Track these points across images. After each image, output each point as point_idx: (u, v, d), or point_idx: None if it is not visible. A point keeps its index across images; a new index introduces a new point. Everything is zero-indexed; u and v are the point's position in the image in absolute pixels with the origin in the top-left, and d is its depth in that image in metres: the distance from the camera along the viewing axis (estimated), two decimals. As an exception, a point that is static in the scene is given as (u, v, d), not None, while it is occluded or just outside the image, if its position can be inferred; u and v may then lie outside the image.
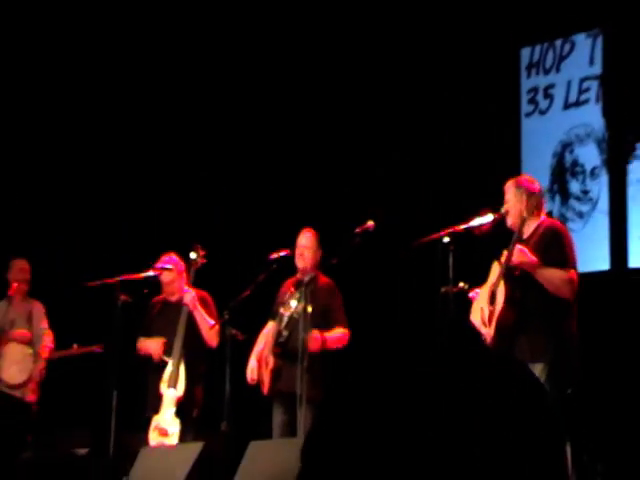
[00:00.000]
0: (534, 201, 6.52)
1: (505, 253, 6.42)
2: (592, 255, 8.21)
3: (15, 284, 9.03)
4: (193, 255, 8.02)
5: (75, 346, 9.17)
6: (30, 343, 9.07)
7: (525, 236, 6.50)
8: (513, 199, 6.57)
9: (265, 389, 7.56)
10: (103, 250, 9.78)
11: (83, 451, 6.91)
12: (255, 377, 7.58)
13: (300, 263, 7.66)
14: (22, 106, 10.57)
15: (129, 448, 7.65)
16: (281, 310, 7.53)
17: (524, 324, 6.31)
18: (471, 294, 6.65)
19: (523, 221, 6.48)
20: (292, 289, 7.60)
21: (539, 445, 1.02)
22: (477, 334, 6.47)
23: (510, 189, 6.63)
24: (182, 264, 8.10)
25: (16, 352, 8.99)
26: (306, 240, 7.70)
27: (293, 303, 7.47)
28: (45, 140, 10.53)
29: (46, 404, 9.01)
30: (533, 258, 6.29)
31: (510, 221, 6.57)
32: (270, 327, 7.72)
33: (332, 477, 1.10)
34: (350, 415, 1.06)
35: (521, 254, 6.32)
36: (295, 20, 10.16)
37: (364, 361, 1.13)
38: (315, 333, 7.21)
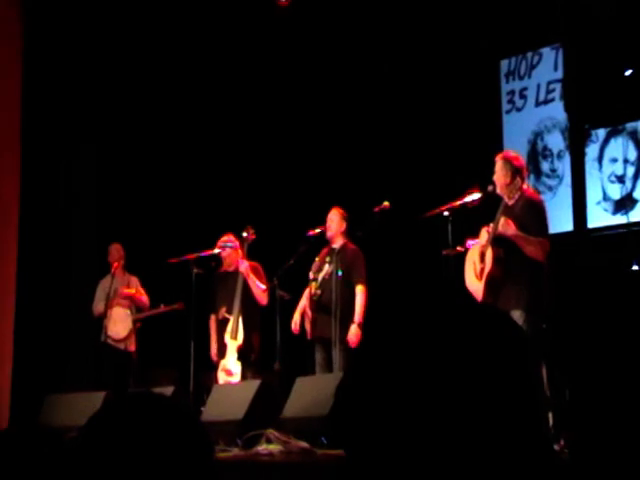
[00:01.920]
0: (518, 173, 6.40)
1: (492, 225, 6.31)
2: (559, 219, 8.11)
3: (115, 263, 8.99)
4: (245, 234, 7.99)
5: (162, 306, 9.10)
6: (129, 307, 9.06)
7: (510, 203, 6.36)
8: (500, 171, 6.42)
9: (309, 335, 7.52)
10: (178, 233, 9.70)
11: (170, 388, 6.88)
12: (298, 328, 7.52)
13: (328, 233, 7.60)
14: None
15: (204, 385, 7.64)
16: (316, 273, 7.49)
17: (507, 279, 6.22)
18: (467, 244, 6.54)
19: (508, 190, 6.34)
20: (327, 256, 7.56)
21: (517, 371, 1.02)
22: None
23: (498, 162, 6.48)
24: (237, 242, 8.03)
25: (119, 314, 8.98)
26: (332, 215, 7.65)
27: (326, 266, 7.44)
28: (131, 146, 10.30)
29: (142, 352, 9.02)
30: (514, 228, 6.17)
31: (498, 190, 6.43)
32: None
33: (360, 412, 1.03)
34: (380, 359, 1.04)
35: (505, 225, 6.21)
36: (302, 17, 9.67)
37: (390, 312, 1.08)
38: (353, 332, 7.15)
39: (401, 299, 1.11)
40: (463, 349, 1.01)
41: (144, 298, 9.00)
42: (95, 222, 10.07)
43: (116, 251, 9.04)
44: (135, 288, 9.03)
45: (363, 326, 7.13)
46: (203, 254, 7.95)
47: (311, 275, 7.44)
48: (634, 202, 8.32)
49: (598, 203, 8.51)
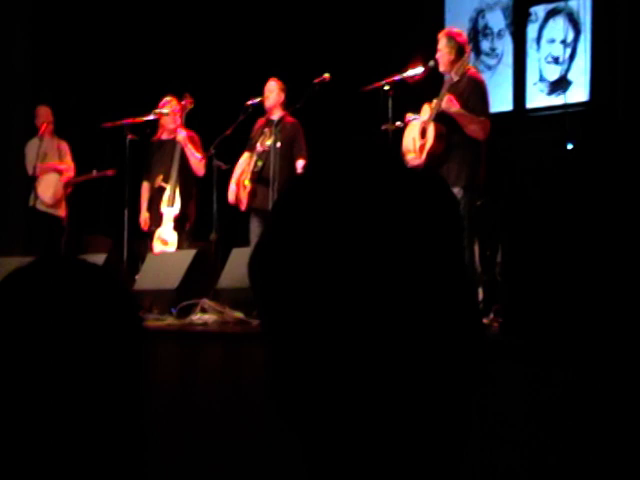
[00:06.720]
0: (462, 50, 6.19)
1: (435, 101, 6.12)
2: (498, 99, 7.95)
3: (44, 124, 8.49)
4: (183, 102, 7.62)
5: (94, 171, 8.65)
6: (59, 172, 8.62)
7: (454, 80, 6.16)
8: (444, 49, 6.19)
9: (243, 207, 7.29)
10: (113, 96, 9.19)
11: (103, 256, 6.59)
12: (234, 198, 7.28)
13: (266, 104, 7.29)
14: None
15: (138, 253, 7.40)
16: (257, 145, 7.22)
17: (448, 156, 6.07)
18: (407, 118, 6.32)
19: (452, 67, 6.13)
20: (265, 127, 7.26)
21: (448, 236, 0.90)
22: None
23: (442, 39, 6.24)
24: (177, 105, 7.63)
25: (49, 179, 8.53)
26: (270, 86, 7.34)
27: (266, 139, 7.17)
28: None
29: (75, 220, 8.67)
30: (457, 106, 6.00)
31: (442, 67, 6.22)
32: (245, 157, 7.39)
33: (279, 289, 0.88)
34: (300, 218, 0.88)
35: (449, 102, 6.03)
36: None
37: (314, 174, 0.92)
38: None
39: (329, 161, 0.93)
40: (393, 208, 0.87)
41: (71, 173, 8.60)
42: (24, 83, 9.52)
43: (44, 113, 8.55)
44: (65, 159, 8.60)
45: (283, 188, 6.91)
46: (139, 120, 7.53)
47: (257, 145, 7.18)
48: (568, 83, 8.25)
49: (534, 84, 8.47)
